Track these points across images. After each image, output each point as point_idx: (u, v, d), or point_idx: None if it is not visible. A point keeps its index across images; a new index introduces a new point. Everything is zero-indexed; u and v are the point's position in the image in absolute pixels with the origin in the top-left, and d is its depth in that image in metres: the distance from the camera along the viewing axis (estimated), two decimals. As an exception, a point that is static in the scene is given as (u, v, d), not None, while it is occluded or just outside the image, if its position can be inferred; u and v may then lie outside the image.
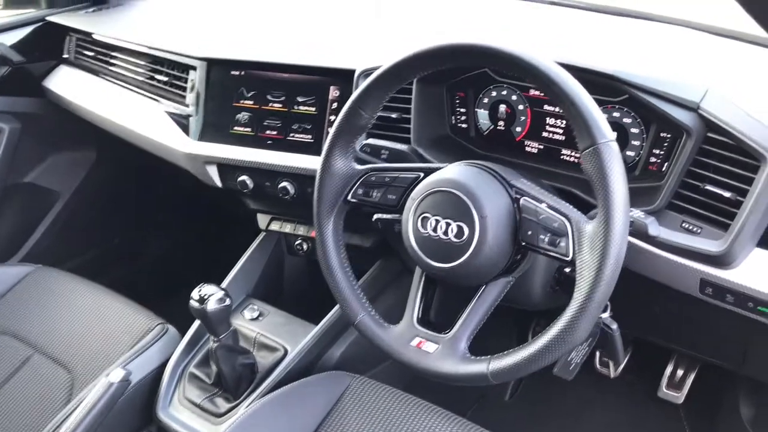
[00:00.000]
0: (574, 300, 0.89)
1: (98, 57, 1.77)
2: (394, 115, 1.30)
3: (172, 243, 1.99)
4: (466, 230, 0.97)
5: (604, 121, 0.89)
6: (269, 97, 1.42)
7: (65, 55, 1.87)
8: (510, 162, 1.26)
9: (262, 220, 1.58)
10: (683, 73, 1.08)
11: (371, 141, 1.21)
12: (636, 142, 1.15)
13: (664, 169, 1.12)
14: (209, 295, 1.26)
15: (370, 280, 1.44)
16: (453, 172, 1.02)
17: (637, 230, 1.00)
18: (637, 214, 1.01)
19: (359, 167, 1.10)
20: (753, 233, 0.99)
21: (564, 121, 1.22)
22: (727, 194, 1.00)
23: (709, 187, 1.02)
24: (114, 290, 1.66)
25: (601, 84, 1.08)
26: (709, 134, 1.02)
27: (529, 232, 0.96)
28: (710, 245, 1.01)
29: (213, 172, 1.49)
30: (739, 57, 1.25)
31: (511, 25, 1.40)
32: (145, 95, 1.63)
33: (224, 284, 1.51)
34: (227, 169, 1.47)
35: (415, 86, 1.27)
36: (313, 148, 1.39)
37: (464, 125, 1.32)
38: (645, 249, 1.07)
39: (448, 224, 0.98)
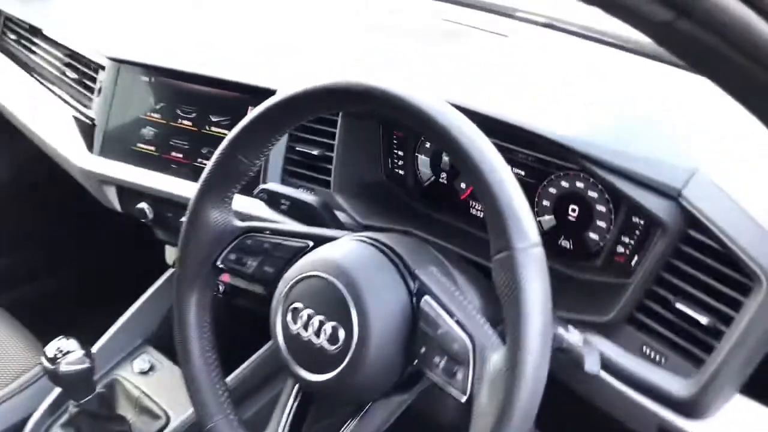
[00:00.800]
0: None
1: (21, 42, 1.54)
2: (315, 152, 1.06)
3: (92, 261, 1.76)
4: (342, 334, 0.72)
5: (528, 218, 0.63)
6: (179, 112, 1.18)
7: (-8, 36, 1.65)
8: (452, 226, 1.01)
9: (170, 253, 1.35)
10: (663, 141, 0.81)
11: (270, 186, 0.97)
12: (601, 224, 0.89)
13: (633, 263, 0.85)
14: (64, 353, 1.03)
15: (267, 355, 1.18)
16: (339, 251, 0.77)
17: (568, 362, 0.74)
18: (574, 337, 0.75)
19: (238, 224, 0.86)
20: (735, 376, 0.73)
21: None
22: (704, 320, 0.73)
23: (680, 306, 0.75)
24: (10, 312, 1.44)
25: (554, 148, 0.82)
26: (690, 232, 0.76)
27: (423, 349, 0.71)
28: (675, 384, 0.75)
29: (111, 194, 1.26)
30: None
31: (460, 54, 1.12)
32: (56, 94, 1.39)
33: (117, 325, 1.28)
34: (126, 192, 1.24)
35: (341, 118, 1.02)
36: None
37: (401, 171, 1.07)
38: (592, 371, 0.81)
39: (321, 323, 0.73)
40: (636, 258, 0.85)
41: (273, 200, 0.96)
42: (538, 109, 0.86)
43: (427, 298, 0.72)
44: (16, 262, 1.71)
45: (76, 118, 1.31)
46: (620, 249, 0.87)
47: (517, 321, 0.60)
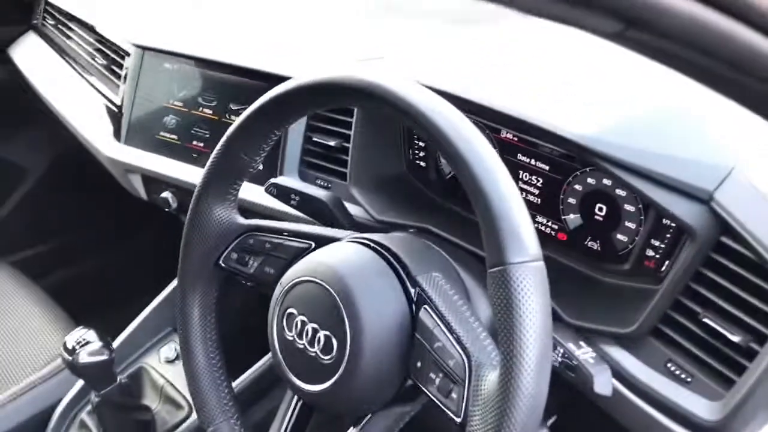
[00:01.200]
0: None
1: (58, 26, 1.55)
2: (332, 142, 1.01)
3: (128, 248, 1.77)
4: (335, 344, 0.68)
5: (528, 229, 0.57)
6: (200, 100, 1.16)
7: (34, 21, 1.66)
8: (474, 222, 0.95)
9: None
10: (692, 136, 0.73)
11: (280, 180, 0.93)
12: (630, 224, 0.81)
13: (663, 269, 0.78)
14: (83, 344, 1.03)
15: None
16: (335, 254, 0.73)
17: (576, 382, 0.68)
18: (585, 354, 0.69)
19: (240, 221, 0.83)
20: (769, 400, 0.66)
21: (541, 180, 0.89)
22: (735, 337, 0.66)
23: (709, 321, 0.68)
24: (54, 294, 1.47)
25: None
26: (723, 239, 0.68)
27: (419, 364, 0.66)
28: (701, 406, 0.68)
29: (137, 182, 1.25)
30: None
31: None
32: (88, 81, 1.39)
33: (145, 313, 1.28)
34: (151, 181, 1.23)
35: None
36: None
37: (422, 163, 1.02)
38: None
39: (315, 331, 0.70)
40: (667, 263, 0.77)
41: (283, 195, 0.92)
42: (559, 103, 0.79)
43: (426, 307, 0.68)
44: (57, 247, 1.74)
45: (106, 106, 1.31)
46: (650, 252, 0.80)
47: (511, 342, 0.55)
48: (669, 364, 0.71)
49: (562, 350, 0.70)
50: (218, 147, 0.79)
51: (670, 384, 0.70)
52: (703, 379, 0.69)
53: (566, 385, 0.73)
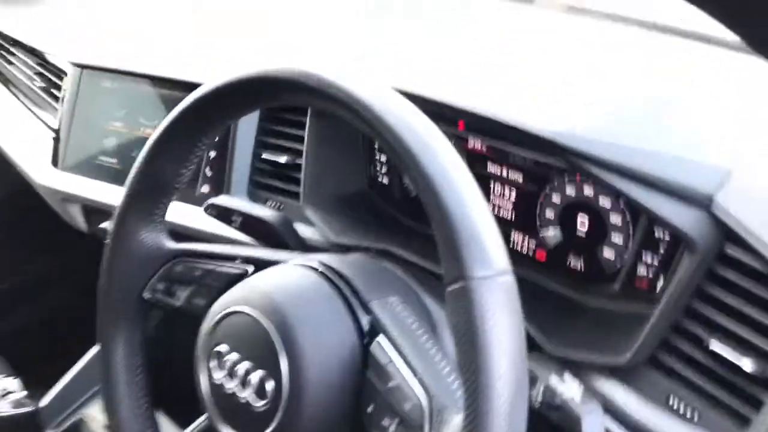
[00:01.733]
0: None
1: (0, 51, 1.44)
2: (282, 159, 0.91)
3: (86, 286, 1.64)
4: (270, 387, 0.57)
5: (493, 238, 0.46)
6: (142, 120, 1.05)
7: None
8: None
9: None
10: (687, 134, 0.64)
11: (219, 200, 0.82)
12: (617, 239, 0.71)
13: (658, 288, 0.67)
14: (2, 395, 0.91)
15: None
16: (272, 280, 0.62)
17: (561, 425, 0.57)
18: (570, 389, 0.58)
19: (168, 246, 0.72)
20: (793, 440, 0.55)
21: (515, 192, 0.79)
22: (748, 365, 0.55)
23: (717, 348, 0.57)
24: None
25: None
26: (726, 249, 0.58)
27: (370, 407, 0.55)
28: (712, 450, 0.57)
29: (76, 213, 1.13)
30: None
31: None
32: (27, 107, 1.29)
33: (85, 359, 1.15)
34: (91, 210, 1.11)
35: (309, 118, 0.87)
36: (190, 196, 1.00)
37: (386, 180, 0.91)
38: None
39: (247, 371, 0.58)
40: (662, 281, 0.67)
41: (223, 215, 0.81)
42: (535, 100, 0.69)
43: (379, 339, 0.57)
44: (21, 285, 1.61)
45: (44, 132, 1.20)
46: (642, 270, 0.69)
47: (475, 376, 0.44)
48: (671, 400, 0.60)
49: (542, 387, 0.59)
50: (138, 160, 0.68)
51: (674, 423, 0.59)
52: (713, 416, 0.58)
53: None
